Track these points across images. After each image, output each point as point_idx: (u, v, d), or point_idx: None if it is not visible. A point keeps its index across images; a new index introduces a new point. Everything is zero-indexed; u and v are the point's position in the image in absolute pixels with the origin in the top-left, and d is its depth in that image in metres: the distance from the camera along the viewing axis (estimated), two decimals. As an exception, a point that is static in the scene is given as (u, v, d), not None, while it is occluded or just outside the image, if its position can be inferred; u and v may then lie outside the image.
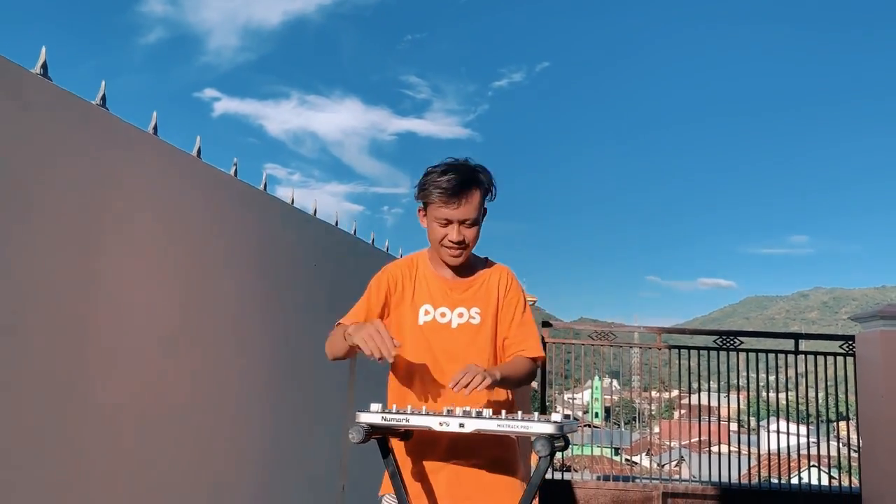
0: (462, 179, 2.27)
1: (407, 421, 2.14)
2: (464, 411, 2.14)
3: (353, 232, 4.06)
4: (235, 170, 2.87)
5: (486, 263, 2.48)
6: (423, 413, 2.16)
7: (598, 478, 7.47)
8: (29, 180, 1.92)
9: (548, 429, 2.03)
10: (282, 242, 3.18)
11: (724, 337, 7.13)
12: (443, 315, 2.39)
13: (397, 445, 2.35)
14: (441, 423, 2.10)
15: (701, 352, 7.17)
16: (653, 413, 10.45)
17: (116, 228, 2.23)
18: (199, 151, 2.65)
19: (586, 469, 10.89)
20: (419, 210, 2.39)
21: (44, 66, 2.00)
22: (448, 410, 2.14)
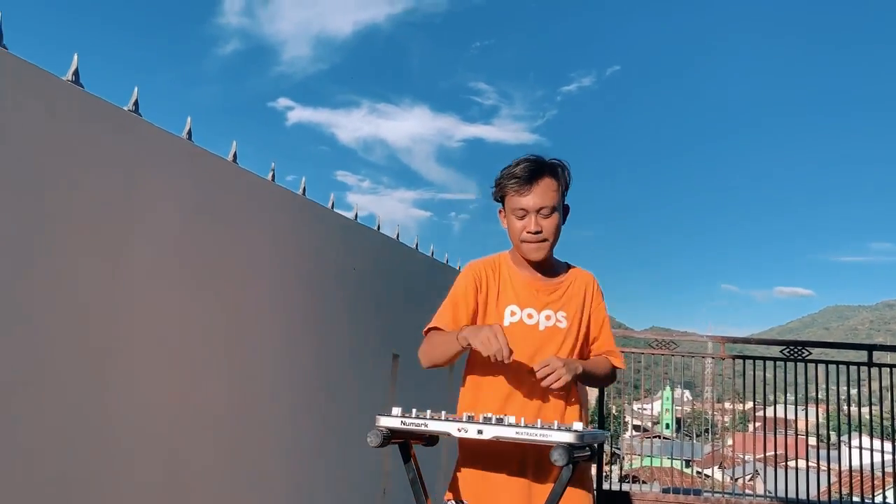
0: (535, 166, 2.26)
1: (426, 426, 2.12)
2: (483, 417, 2.11)
3: (415, 242, 4.08)
4: (273, 175, 2.91)
5: (569, 268, 2.45)
6: (443, 418, 2.14)
7: (664, 490, 7.27)
8: (59, 185, 1.99)
9: (567, 438, 1.97)
10: (322, 248, 3.21)
11: (791, 348, 6.83)
12: (530, 317, 2.34)
13: (466, 454, 2.33)
14: (459, 429, 2.07)
15: (767, 363, 6.90)
16: (726, 425, 10.10)
17: (145, 234, 2.28)
18: (234, 156, 2.70)
19: (656, 481, 10.63)
20: (500, 212, 2.37)
21: (75, 72, 2.06)
22: (468, 417, 2.12)
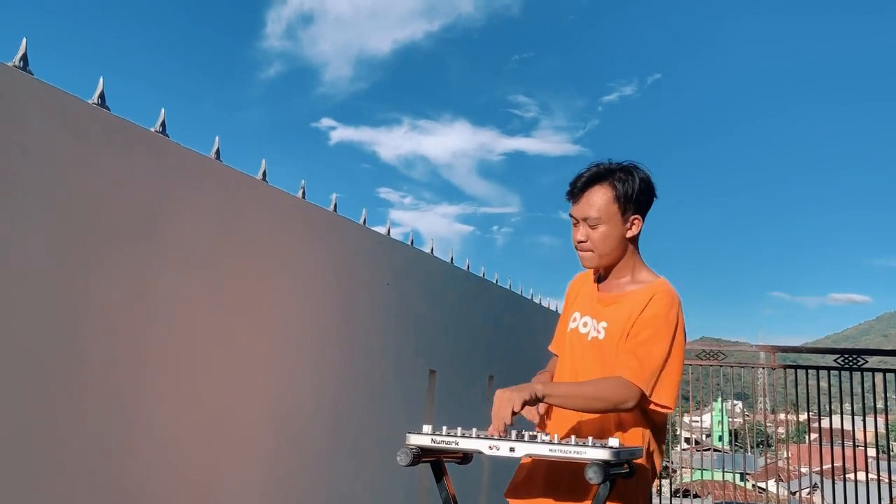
0: (587, 175, 2.21)
1: (457, 444, 2.07)
2: (517, 434, 2.05)
3: (450, 256, 4.04)
4: (303, 192, 2.90)
5: (647, 281, 2.25)
6: (474, 435, 2.09)
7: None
8: (86, 205, 2.00)
9: (602, 455, 1.90)
10: (354, 263, 3.19)
11: (846, 357, 6.59)
12: (584, 325, 2.31)
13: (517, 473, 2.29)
14: (491, 447, 2.01)
15: (821, 372, 6.68)
16: (782, 437, 9.82)
17: (173, 253, 2.28)
18: (264, 174, 2.70)
19: (710, 495, 10.35)
20: None
21: (101, 95, 2.08)
22: (500, 434, 2.06)
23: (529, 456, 1.98)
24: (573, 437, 2.00)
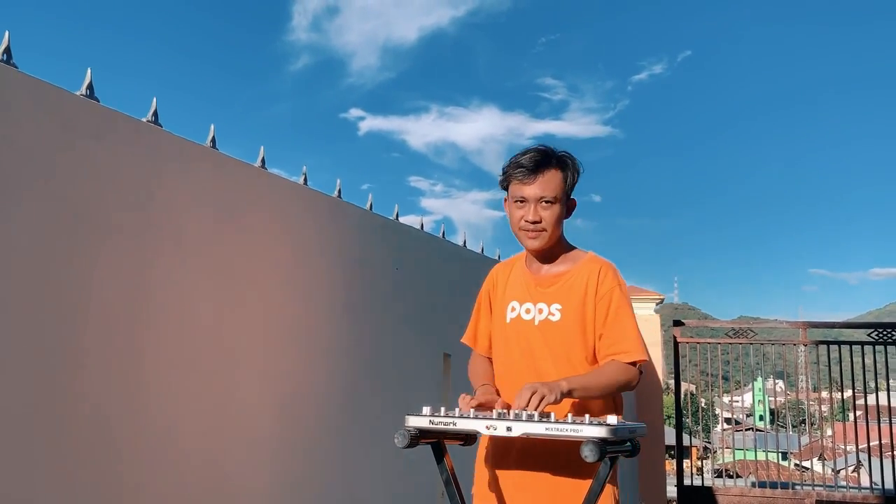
0: (542, 157, 2.22)
1: (454, 424, 2.05)
2: (514, 414, 2.02)
3: (462, 239, 4.01)
4: (304, 178, 2.89)
5: (582, 258, 2.32)
6: (471, 416, 2.07)
7: (753, 484, 6.97)
8: (79, 195, 2.01)
9: (599, 432, 1.86)
10: (362, 249, 3.18)
11: (880, 330, 6.42)
12: (527, 311, 2.30)
13: (480, 448, 2.32)
14: (488, 427, 1.99)
15: (855, 347, 6.51)
16: (824, 415, 9.62)
17: (171, 240, 2.29)
18: (262, 161, 2.69)
19: (751, 475, 10.21)
20: (504, 200, 2.33)
21: (89, 86, 2.09)
22: (499, 413, 2.04)
23: (527, 435, 1.95)
24: (570, 414, 1.97)
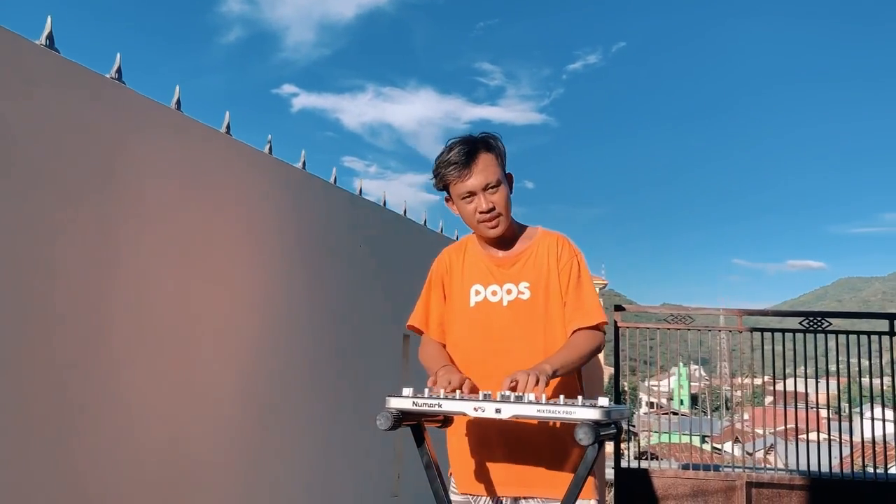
0: (468, 147, 2.17)
1: (440, 406, 1.97)
2: (501, 395, 1.96)
3: (423, 218, 3.91)
4: (269, 148, 2.76)
5: (536, 234, 2.31)
6: (458, 398, 2.00)
7: (683, 466, 7.13)
8: (32, 151, 1.84)
9: (593, 414, 1.82)
10: (326, 224, 3.05)
11: (811, 319, 6.66)
12: (494, 294, 2.25)
13: (459, 426, 2.23)
14: (476, 409, 1.92)
15: (787, 335, 6.73)
16: (741, 400, 9.96)
17: (131, 205, 2.13)
18: (228, 127, 2.55)
19: (672, 457, 10.50)
20: (446, 200, 2.27)
21: (49, 36, 1.92)
22: (485, 395, 1.97)
23: (516, 417, 1.90)
24: (561, 395, 1.91)
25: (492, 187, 2.17)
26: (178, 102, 2.33)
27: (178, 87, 2.34)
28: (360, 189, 3.27)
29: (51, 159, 1.87)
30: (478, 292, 2.27)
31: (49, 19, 1.92)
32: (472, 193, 2.17)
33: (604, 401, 1.90)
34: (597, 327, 2.19)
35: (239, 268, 2.53)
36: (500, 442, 2.19)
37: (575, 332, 2.19)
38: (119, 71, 2.12)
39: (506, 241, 2.27)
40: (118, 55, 2.11)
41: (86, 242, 1.95)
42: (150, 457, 2.15)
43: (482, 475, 2.22)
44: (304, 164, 2.93)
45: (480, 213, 2.17)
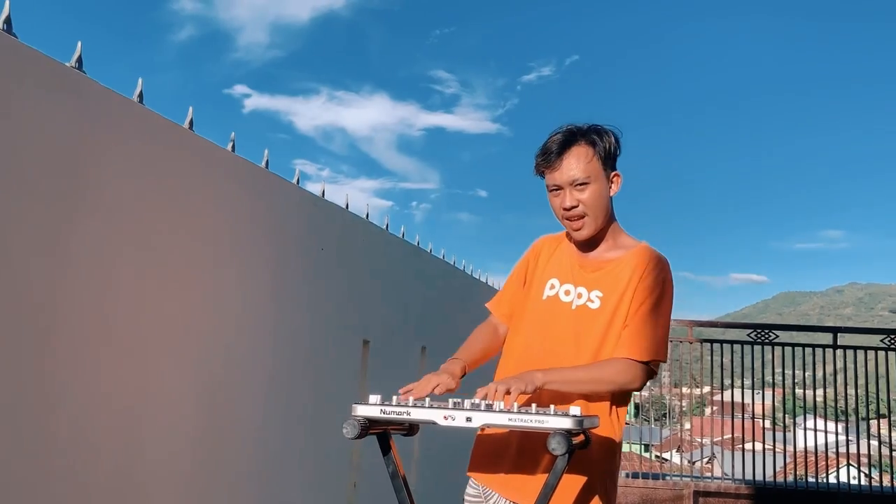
0: (565, 136, 2.06)
1: (408, 414, 1.93)
2: (472, 404, 1.93)
3: (385, 222, 3.86)
4: (233, 145, 2.68)
5: (634, 247, 2.17)
6: (427, 405, 1.96)
7: (627, 475, 7.21)
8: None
9: (565, 423, 1.80)
10: (287, 225, 2.98)
11: (759, 331, 6.83)
12: (566, 293, 2.16)
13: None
14: (446, 417, 1.89)
15: (734, 346, 6.89)
16: (684, 409, 10.13)
17: (89, 201, 2.04)
18: (191, 123, 2.47)
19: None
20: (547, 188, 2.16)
21: (7, 20, 1.82)
22: (455, 403, 1.93)
23: (487, 426, 1.87)
24: (533, 405, 1.89)
25: (580, 184, 2.05)
26: (141, 95, 2.25)
27: (140, 80, 2.25)
28: (324, 191, 3.21)
29: (3, 148, 1.77)
30: (552, 286, 2.19)
31: (7, 2, 1.82)
32: (558, 187, 2.07)
33: (576, 409, 1.88)
34: (644, 363, 2.04)
35: (198, 268, 2.45)
36: (515, 444, 2.14)
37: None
38: (80, 60, 2.03)
39: (595, 243, 2.17)
40: (79, 43, 2.02)
41: (39, 237, 1.86)
42: (102, 471, 2.05)
43: (494, 469, 2.16)
44: (266, 163, 2.86)
45: (564, 209, 2.08)
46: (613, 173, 2.13)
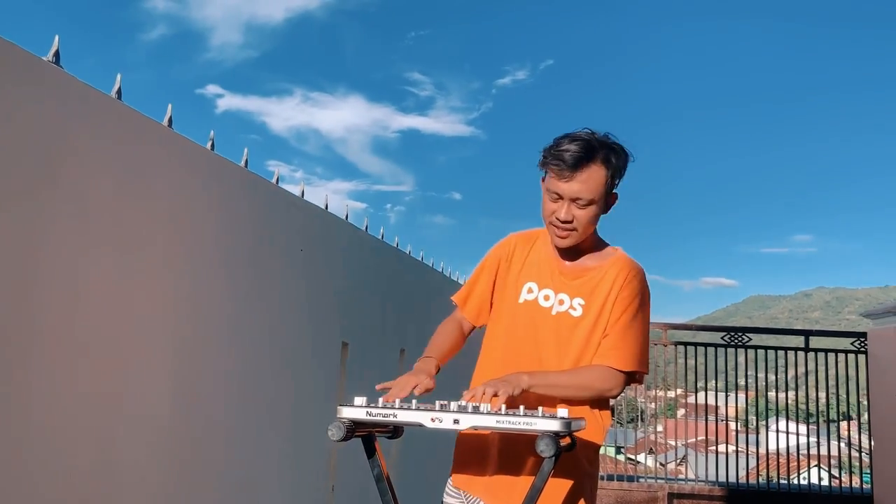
0: (583, 152, 2.03)
1: (395, 416, 1.91)
2: (459, 406, 1.91)
3: (364, 224, 3.82)
4: (212, 144, 2.64)
5: (611, 256, 2.20)
6: (414, 407, 1.94)
7: (602, 477, 7.24)
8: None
9: (553, 426, 1.80)
10: (267, 225, 2.94)
11: (732, 334, 6.90)
12: (546, 298, 2.17)
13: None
14: (433, 419, 1.87)
15: (708, 349, 6.95)
16: (655, 412, 10.22)
17: (66, 198, 1.99)
18: (170, 120, 2.42)
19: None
20: (542, 180, 2.16)
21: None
22: (441, 405, 1.91)
23: (475, 428, 1.86)
24: (521, 406, 1.88)
25: (582, 203, 2.06)
26: (119, 92, 2.20)
27: (119, 76, 2.21)
28: (303, 191, 3.17)
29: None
30: (530, 290, 2.19)
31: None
32: (559, 196, 2.07)
33: (563, 412, 1.88)
34: (624, 372, 2.08)
35: (176, 267, 2.41)
36: (497, 448, 2.13)
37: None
38: (57, 55, 1.98)
39: (576, 252, 2.18)
40: (56, 37, 1.97)
41: (12, 235, 1.80)
42: (76, 468, 2.00)
43: (477, 474, 2.15)
44: (246, 162, 2.82)
45: (557, 218, 2.08)
46: (612, 195, 2.15)
